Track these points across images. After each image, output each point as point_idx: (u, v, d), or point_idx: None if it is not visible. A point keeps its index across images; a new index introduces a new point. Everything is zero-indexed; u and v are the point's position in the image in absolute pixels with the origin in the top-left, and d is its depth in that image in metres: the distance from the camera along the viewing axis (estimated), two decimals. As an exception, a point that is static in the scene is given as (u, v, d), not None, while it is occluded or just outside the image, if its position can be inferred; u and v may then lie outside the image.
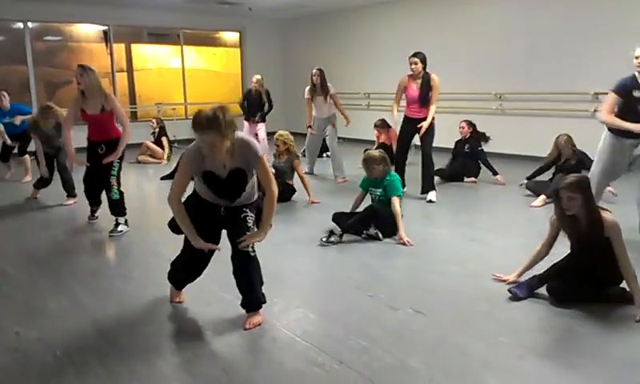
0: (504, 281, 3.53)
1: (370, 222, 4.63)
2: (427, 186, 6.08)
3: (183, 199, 3.00)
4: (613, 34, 7.52)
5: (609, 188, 5.33)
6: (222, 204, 3.02)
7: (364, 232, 4.65)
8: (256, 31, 13.18)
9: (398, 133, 6.43)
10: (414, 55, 5.98)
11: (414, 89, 5.98)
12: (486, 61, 9.08)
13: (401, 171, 6.07)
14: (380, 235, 4.60)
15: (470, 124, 7.21)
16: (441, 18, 9.75)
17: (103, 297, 3.52)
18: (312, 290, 3.68)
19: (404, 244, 4.45)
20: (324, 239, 4.51)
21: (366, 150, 5.73)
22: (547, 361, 2.62)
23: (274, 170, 5.97)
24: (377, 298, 3.40)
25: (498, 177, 6.85)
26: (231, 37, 13.59)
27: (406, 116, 6.13)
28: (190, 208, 2.99)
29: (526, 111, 8.66)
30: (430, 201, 5.94)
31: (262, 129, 8.51)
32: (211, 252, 3.09)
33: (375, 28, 11.07)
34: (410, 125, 6.07)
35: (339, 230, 4.59)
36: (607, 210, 3.21)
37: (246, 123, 8.52)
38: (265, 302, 3.10)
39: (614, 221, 3.12)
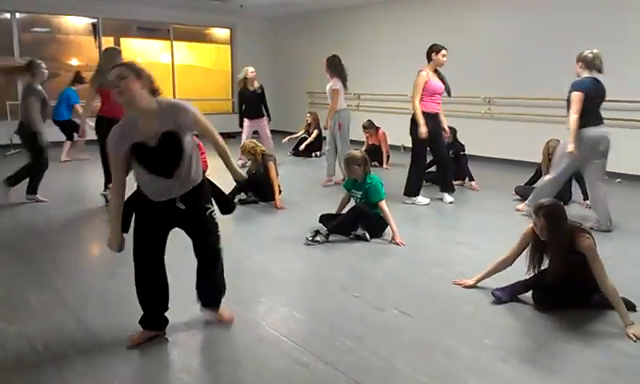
0: (460, 284, 3.58)
1: (357, 223, 4.63)
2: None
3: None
4: (601, 41, 7.60)
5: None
6: (174, 195, 2.67)
7: (351, 233, 4.65)
8: (247, 28, 13.13)
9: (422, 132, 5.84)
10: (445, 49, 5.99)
11: (438, 81, 5.90)
12: (475, 65, 9.12)
13: (421, 176, 6.09)
14: (367, 236, 4.60)
15: (451, 131, 7.17)
16: (430, 21, 9.79)
17: (86, 292, 3.48)
18: (298, 290, 3.67)
19: (397, 244, 4.47)
20: (309, 238, 4.50)
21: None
22: (530, 365, 2.63)
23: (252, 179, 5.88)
24: (363, 299, 3.40)
25: (472, 183, 6.90)
26: (222, 33, 13.52)
27: (435, 113, 5.94)
28: (135, 207, 2.75)
29: (514, 116, 8.72)
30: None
31: (266, 125, 8.35)
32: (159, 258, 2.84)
33: (365, 29, 11.09)
34: (437, 120, 6.00)
35: (325, 229, 4.59)
36: (586, 233, 3.12)
37: (246, 120, 8.29)
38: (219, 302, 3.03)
39: (589, 244, 3.04)
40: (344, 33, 11.52)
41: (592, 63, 4.88)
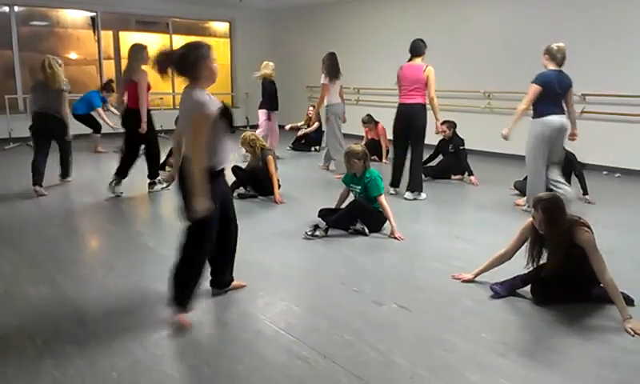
0: (459, 279, 3.59)
1: (356, 217, 4.63)
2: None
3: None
4: (602, 35, 7.60)
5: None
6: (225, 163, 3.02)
7: (350, 227, 4.65)
8: (246, 22, 13.09)
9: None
10: None
11: None
12: (475, 59, 9.11)
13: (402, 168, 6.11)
14: (366, 230, 4.60)
15: (450, 125, 7.18)
16: (431, 15, 9.76)
17: (85, 286, 3.48)
18: (297, 284, 3.67)
19: (396, 239, 4.47)
20: (309, 232, 4.50)
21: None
22: (528, 358, 2.64)
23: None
24: (362, 293, 3.40)
25: (472, 178, 6.90)
26: (221, 27, 13.48)
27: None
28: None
29: (513, 110, 8.64)
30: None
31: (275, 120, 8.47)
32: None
33: (365, 23, 11.05)
34: None
35: (324, 224, 4.59)
36: (585, 226, 3.13)
37: (272, 114, 8.26)
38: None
39: (588, 237, 3.05)
40: (343, 26, 11.49)
41: (555, 56, 5.08)
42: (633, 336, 2.84)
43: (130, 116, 5.80)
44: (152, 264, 3.92)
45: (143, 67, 5.70)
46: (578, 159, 6.08)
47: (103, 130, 9.01)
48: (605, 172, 7.59)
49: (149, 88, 5.79)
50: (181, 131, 3.05)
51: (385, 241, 4.51)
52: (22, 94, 10.36)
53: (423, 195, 5.99)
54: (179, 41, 12.69)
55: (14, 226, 4.87)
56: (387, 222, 4.65)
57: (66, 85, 5.98)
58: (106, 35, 11.68)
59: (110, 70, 11.78)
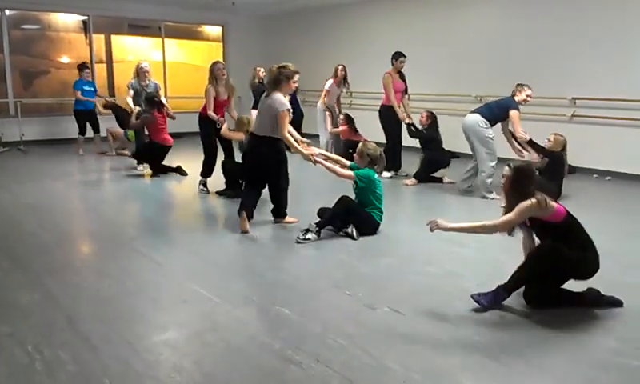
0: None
1: (347, 220, 4.64)
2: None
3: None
4: (591, 40, 7.66)
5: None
6: None
7: (342, 230, 4.65)
8: (239, 26, 13.09)
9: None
10: (404, 56, 7.49)
11: (400, 82, 7.50)
12: (467, 63, 9.15)
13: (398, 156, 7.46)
14: (355, 234, 4.58)
15: (430, 115, 7.31)
16: (423, 20, 9.81)
17: (77, 292, 3.47)
18: (290, 288, 3.67)
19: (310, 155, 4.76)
20: (301, 237, 4.50)
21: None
22: (521, 362, 2.66)
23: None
24: (355, 297, 3.41)
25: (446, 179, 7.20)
26: (214, 31, 13.47)
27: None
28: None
29: (505, 114, 8.75)
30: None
31: None
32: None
33: (359, 27, 11.08)
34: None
35: (315, 226, 4.57)
36: (538, 198, 3.11)
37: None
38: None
39: (523, 204, 3.10)
40: (337, 31, 11.51)
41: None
42: (427, 225, 3.32)
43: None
44: (144, 269, 3.91)
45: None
46: (568, 162, 6.12)
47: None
48: (595, 175, 7.65)
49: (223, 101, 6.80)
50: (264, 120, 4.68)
51: (377, 244, 4.53)
52: (12, 97, 10.30)
53: (388, 173, 7.09)
54: (172, 45, 12.70)
55: (4, 231, 4.85)
56: (381, 226, 4.68)
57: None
58: (98, 39, 11.64)
59: (101, 74, 11.74)
